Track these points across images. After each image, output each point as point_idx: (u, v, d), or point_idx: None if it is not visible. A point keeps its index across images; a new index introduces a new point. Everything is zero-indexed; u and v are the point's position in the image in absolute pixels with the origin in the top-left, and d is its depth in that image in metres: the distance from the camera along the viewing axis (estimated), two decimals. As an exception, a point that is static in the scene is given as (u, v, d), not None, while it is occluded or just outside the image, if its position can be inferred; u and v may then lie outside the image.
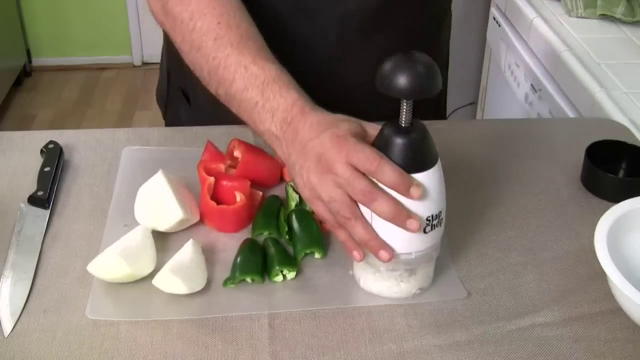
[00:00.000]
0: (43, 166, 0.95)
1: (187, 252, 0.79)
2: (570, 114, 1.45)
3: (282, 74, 0.81)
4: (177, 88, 1.14)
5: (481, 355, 0.72)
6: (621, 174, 0.99)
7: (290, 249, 0.84)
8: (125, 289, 0.78)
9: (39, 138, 1.01)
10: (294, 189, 0.90)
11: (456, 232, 0.87)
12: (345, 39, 0.98)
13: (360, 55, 0.96)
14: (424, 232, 0.73)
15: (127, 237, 0.80)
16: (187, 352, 0.71)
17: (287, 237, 0.85)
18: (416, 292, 0.78)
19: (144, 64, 3.66)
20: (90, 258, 0.79)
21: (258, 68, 0.81)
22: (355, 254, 0.75)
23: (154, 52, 3.42)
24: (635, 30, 1.62)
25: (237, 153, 0.93)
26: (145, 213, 0.85)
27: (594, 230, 0.76)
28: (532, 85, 1.66)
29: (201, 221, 0.88)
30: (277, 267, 0.79)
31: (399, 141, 0.70)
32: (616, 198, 0.83)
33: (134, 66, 3.67)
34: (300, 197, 0.89)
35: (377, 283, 0.78)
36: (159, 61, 1.20)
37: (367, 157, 0.70)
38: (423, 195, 0.70)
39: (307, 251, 0.83)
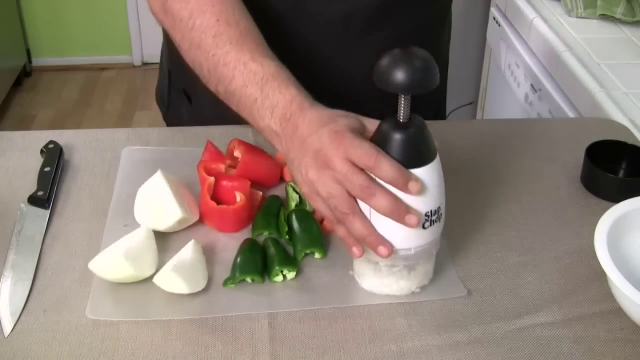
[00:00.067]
0: (43, 166, 0.95)
1: (188, 252, 0.79)
2: (570, 114, 1.45)
3: (281, 71, 0.81)
4: (178, 88, 1.14)
5: (481, 355, 0.72)
6: (621, 174, 0.99)
7: (290, 249, 0.84)
8: (125, 289, 0.78)
9: (39, 138, 1.01)
10: (294, 189, 0.90)
11: (456, 232, 0.87)
12: (346, 39, 0.98)
13: (362, 54, 0.96)
14: (423, 227, 0.72)
15: (130, 238, 0.80)
16: (187, 352, 0.71)
17: (287, 237, 0.85)
18: (416, 290, 0.78)
19: (144, 64, 3.66)
20: (90, 258, 0.78)
21: (257, 65, 0.81)
22: (354, 249, 0.75)
23: (154, 52, 3.42)
24: (635, 30, 1.62)
25: (237, 153, 0.93)
26: (144, 213, 0.85)
27: (594, 230, 0.76)
28: (532, 85, 1.66)
29: (201, 221, 0.88)
30: (277, 267, 0.79)
31: (397, 136, 0.70)
32: (616, 198, 0.83)
33: (134, 66, 3.67)
34: (300, 197, 0.89)
35: (377, 279, 0.77)
36: (158, 61, 1.20)
37: (364, 153, 0.70)
38: (421, 190, 0.70)
39: (307, 251, 0.83)
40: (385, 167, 0.69)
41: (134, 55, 3.65)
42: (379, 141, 0.71)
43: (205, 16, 0.86)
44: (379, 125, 0.72)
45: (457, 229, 0.88)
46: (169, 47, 1.08)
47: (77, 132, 1.05)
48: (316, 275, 0.81)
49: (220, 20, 0.85)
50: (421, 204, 0.71)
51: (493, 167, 1.00)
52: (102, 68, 3.64)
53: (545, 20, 1.66)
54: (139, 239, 0.80)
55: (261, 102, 0.80)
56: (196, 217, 0.87)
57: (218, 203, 0.86)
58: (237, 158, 0.92)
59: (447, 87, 1.24)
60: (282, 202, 0.90)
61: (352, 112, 0.77)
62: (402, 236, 0.73)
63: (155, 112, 1.24)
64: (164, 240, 0.84)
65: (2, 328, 0.74)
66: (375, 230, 0.72)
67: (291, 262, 0.81)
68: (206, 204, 0.86)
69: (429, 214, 0.72)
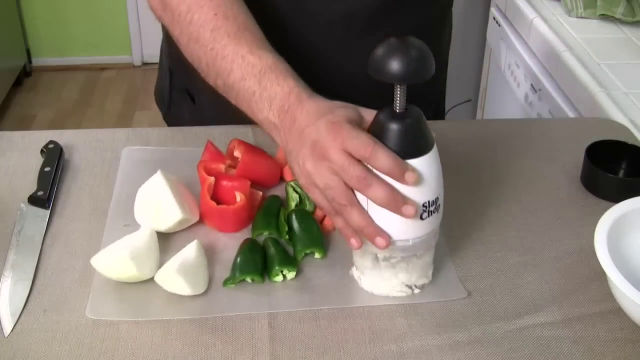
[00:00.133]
0: (43, 166, 0.95)
1: (191, 253, 0.78)
2: (570, 114, 1.45)
3: (279, 63, 0.81)
4: (180, 88, 1.14)
5: (481, 355, 0.72)
6: (621, 174, 0.99)
7: (290, 249, 0.84)
8: (126, 289, 0.78)
9: (39, 138, 1.01)
10: (294, 189, 0.90)
11: (456, 232, 0.87)
12: (346, 38, 0.99)
13: (362, 54, 0.96)
14: (421, 218, 0.72)
15: (134, 238, 0.79)
16: (187, 352, 0.71)
17: (287, 237, 0.85)
18: (416, 285, 0.78)
19: (144, 64, 3.66)
20: (90, 258, 0.78)
21: (255, 57, 0.82)
22: (353, 241, 0.75)
23: (154, 52, 3.40)
24: (635, 30, 1.62)
25: (237, 153, 0.93)
26: (144, 213, 0.85)
27: (594, 230, 0.76)
28: (532, 85, 1.66)
29: (201, 221, 0.88)
30: (277, 267, 0.79)
31: (393, 127, 0.70)
32: (616, 198, 0.83)
33: (134, 66, 3.67)
34: (300, 197, 0.89)
35: (375, 273, 0.77)
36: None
37: (361, 143, 0.70)
38: (418, 181, 0.70)
39: (307, 251, 0.83)
40: (382, 158, 0.69)
41: (134, 55, 3.65)
42: (376, 132, 0.71)
43: (203, 10, 0.86)
44: (376, 116, 0.72)
45: (457, 229, 0.88)
46: (170, 46, 1.08)
47: (77, 132, 1.05)
48: (316, 275, 0.81)
49: (218, 14, 0.85)
50: (418, 194, 0.71)
51: (493, 167, 1.00)
52: (102, 68, 3.64)
53: (545, 20, 1.66)
54: (143, 239, 0.79)
55: (259, 94, 0.80)
56: (196, 218, 0.87)
57: (218, 203, 0.86)
58: (237, 158, 0.92)
59: (447, 87, 1.24)
60: (282, 202, 0.90)
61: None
62: (400, 227, 0.72)
63: (155, 112, 1.24)
64: (164, 241, 0.84)
65: (2, 328, 0.74)
66: (372, 221, 0.72)
67: (291, 262, 0.81)
68: (206, 204, 0.86)
69: (427, 204, 0.72)
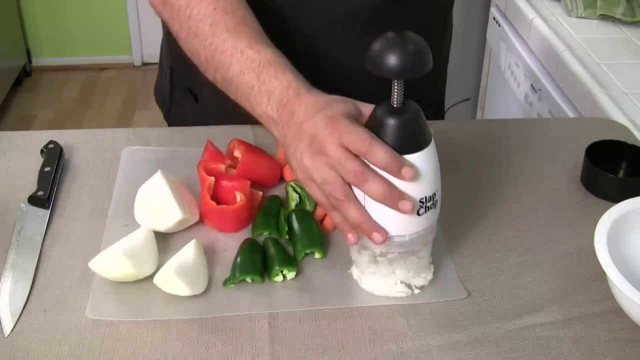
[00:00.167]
0: (43, 166, 0.95)
1: (189, 254, 0.78)
2: (570, 114, 1.45)
3: (277, 57, 0.81)
4: (181, 87, 1.14)
5: (481, 355, 0.72)
6: (621, 174, 0.99)
7: (290, 249, 0.84)
8: (126, 289, 0.78)
9: (39, 138, 1.01)
10: (294, 189, 0.90)
11: (456, 232, 0.87)
12: (347, 37, 0.98)
13: (363, 53, 0.96)
14: (418, 214, 0.72)
15: (131, 237, 0.80)
16: (187, 352, 0.71)
17: (287, 237, 0.85)
18: (416, 290, 0.78)
19: (144, 64, 3.66)
20: (90, 258, 0.78)
21: (254, 52, 0.82)
22: (350, 236, 0.75)
23: (154, 52, 3.40)
24: (635, 30, 1.62)
25: (237, 153, 0.93)
26: (144, 213, 0.85)
27: (594, 230, 0.76)
28: (532, 85, 1.66)
29: (201, 221, 0.88)
30: (277, 267, 0.79)
31: (390, 122, 0.70)
32: (616, 198, 0.83)
33: (134, 66, 3.67)
34: (300, 197, 0.89)
35: (372, 268, 0.77)
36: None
37: (358, 138, 0.70)
38: (416, 176, 0.70)
39: (307, 251, 0.83)
40: (379, 153, 0.69)
41: (134, 55, 3.65)
42: (373, 126, 0.71)
43: (202, 5, 0.86)
44: (373, 111, 0.72)
45: (457, 229, 0.88)
46: (171, 45, 1.08)
47: (77, 132, 1.05)
48: (316, 275, 0.81)
49: (217, 9, 0.85)
50: (416, 190, 0.71)
51: (493, 167, 1.00)
52: (102, 68, 3.64)
53: (545, 20, 1.66)
54: (139, 238, 0.80)
55: (258, 88, 0.80)
56: (196, 218, 0.87)
57: (218, 203, 0.86)
58: (237, 158, 0.92)
59: (447, 86, 1.24)
60: (282, 202, 0.90)
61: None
62: (397, 222, 0.72)
63: (155, 112, 1.24)
64: (164, 241, 0.84)
65: (2, 328, 0.74)
66: (369, 216, 0.72)
67: (291, 262, 0.81)
68: (206, 204, 0.86)
69: (424, 200, 0.72)
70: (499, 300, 0.78)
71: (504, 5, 1.87)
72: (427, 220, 0.74)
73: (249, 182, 0.88)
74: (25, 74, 3.52)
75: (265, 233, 0.86)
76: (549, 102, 1.56)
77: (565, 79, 1.49)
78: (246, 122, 0.91)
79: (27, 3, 3.48)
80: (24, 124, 3.16)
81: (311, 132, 0.73)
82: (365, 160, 0.70)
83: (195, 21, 0.86)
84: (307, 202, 0.89)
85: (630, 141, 1.01)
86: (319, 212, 0.88)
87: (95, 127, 2.95)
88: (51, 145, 0.98)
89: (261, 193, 0.91)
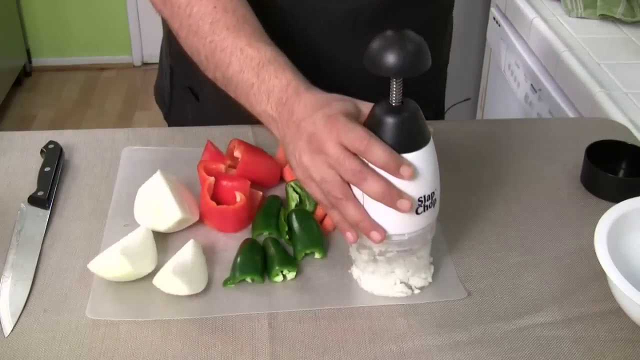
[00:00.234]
0: (43, 166, 0.95)
1: (188, 253, 0.79)
2: (570, 114, 1.45)
3: (277, 55, 0.81)
4: (182, 87, 1.14)
5: (481, 355, 0.72)
6: (621, 174, 0.99)
7: (290, 249, 0.84)
8: (125, 289, 0.78)
9: (39, 138, 1.01)
10: (294, 189, 0.90)
11: (456, 232, 0.87)
12: (347, 37, 0.99)
13: (364, 51, 0.96)
14: (416, 213, 0.72)
15: (129, 237, 0.80)
16: (187, 352, 0.71)
17: (287, 237, 0.85)
18: (415, 291, 0.78)
19: (144, 64, 3.66)
20: (90, 258, 0.79)
21: (253, 50, 0.82)
22: (348, 235, 0.75)
23: (154, 52, 3.40)
24: (635, 30, 1.62)
25: (237, 153, 0.93)
26: (144, 213, 0.85)
27: (594, 230, 0.76)
28: (532, 85, 1.66)
29: (201, 221, 0.88)
30: (277, 267, 0.79)
31: (389, 120, 0.70)
32: (616, 198, 0.83)
33: (134, 66, 3.67)
34: (300, 197, 0.89)
35: (371, 267, 0.77)
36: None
37: (356, 137, 0.70)
38: (414, 175, 0.70)
39: (307, 251, 0.83)
40: (377, 152, 0.69)
41: (134, 55, 3.65)
42: (372, 125, 0.71)
43: (203, 3, 0.86)
44: (372, 109, 0.72)
45: (457, 229, 0.88)
46: (171, 45, 1.08)
47: (77, 132, 1.05)
48: (316, 275, 0.81)
49: (217, 7, 0.86)
50: (414, 189, 0.71)
51: (493, 167, 1.00)
52: (102, 68, 3.64)
53: (545, 20, 1.66)
54: (137, 237, 0.80)
55: (257, 87, 0.80)
56: (196, 218, 0.87)
57: (218, 203, 0.86)
58: (237, 158, 0.92)
59: (447, 86, 1.24)
60: (282, 202, 0.90)
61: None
62: (395, 221, 0.72)
63: (156, 112, 1.24)
64: (164, 241, 0.84)
65: (2, 328, 0.74)
66: (368, 215, 0.72)
67: (291, 262, 0.81)
68: (206, 204, 0.86)
69: (422, 199, 0.72)
70: (499, 300, 0.78)
71: (504, 5, 1.87)
72: (426, 219, 0.74)
73: (249, 182, 0.88)
74: (25, 74, 3.52)
75: (265, 233, 0.86)
76: (549, 102, 1.56)
77: (565, 79, 1.49)
78: (246, 121, 0.90)
79: (27, 3, 3.48)
80: (24, 124, 3.16)
81: (310, 130, 0.73)
82: (364, 159, 0.70)
83: (195, 19, 0.86)
84: (307, 202, 0.89)
85: (630, 141, 1.01)
86: (319, 212, 0.88)
87: (95, 127, 2.95)
88: (51, 146, 0.98)
89: (261, 193, 0.91)
